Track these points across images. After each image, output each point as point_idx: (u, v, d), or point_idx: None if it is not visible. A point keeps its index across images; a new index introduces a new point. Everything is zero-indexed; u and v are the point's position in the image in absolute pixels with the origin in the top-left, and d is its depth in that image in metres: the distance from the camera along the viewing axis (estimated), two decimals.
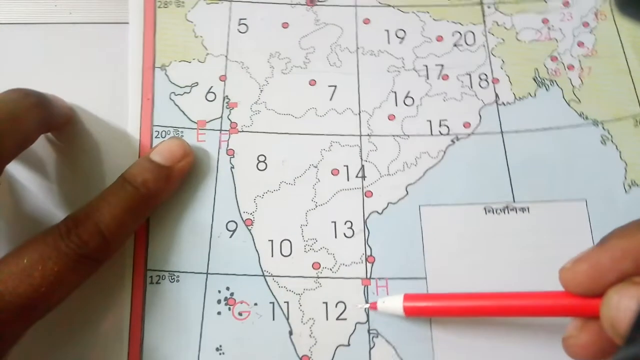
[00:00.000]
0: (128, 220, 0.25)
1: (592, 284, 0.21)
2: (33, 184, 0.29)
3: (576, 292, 0.22)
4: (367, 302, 0.27)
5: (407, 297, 0.26)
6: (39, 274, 0.22)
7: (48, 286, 0.22)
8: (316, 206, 0.29)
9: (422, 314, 0.27)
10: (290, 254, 0.28)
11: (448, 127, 0.30)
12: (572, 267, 0.22)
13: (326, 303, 0.27)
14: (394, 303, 0.26)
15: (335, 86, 0.31)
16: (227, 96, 0.30)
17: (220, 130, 0.30)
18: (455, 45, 0.31)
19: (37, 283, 0.22)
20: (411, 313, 0.26)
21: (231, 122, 0.30)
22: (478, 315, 0.26)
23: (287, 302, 0.27)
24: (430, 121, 0.30)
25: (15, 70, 0.31)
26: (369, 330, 0.27)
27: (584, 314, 0.22)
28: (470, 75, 0.31)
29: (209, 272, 0.28)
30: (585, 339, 0.22)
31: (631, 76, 0.31)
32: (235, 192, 0.29)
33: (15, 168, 0.29)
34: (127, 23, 0.31)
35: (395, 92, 0.31)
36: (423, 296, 0.27)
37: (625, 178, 0.29)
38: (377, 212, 0.29)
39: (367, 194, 0.29)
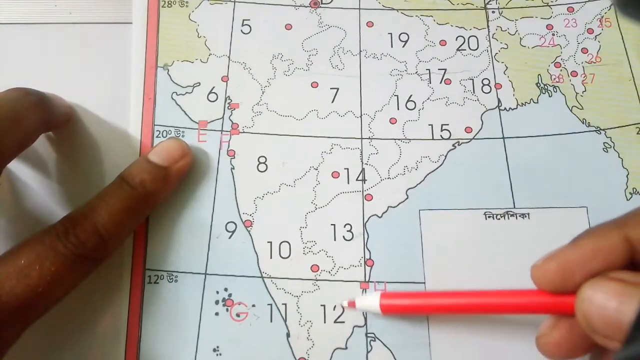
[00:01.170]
0: (126, 220, 0.25)
1: (561, 282, 0.21)
2: (33, 183, 0.29)
3: (546, 289, 0.22)
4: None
5: (383, 296, 0.26)
6: (36, 274, 0.22)
7: (45, 286, 0.22)
8: (316, 208, 0.29)
9: (399, 312, 0.27)
10: (289, 255, 0.28)
11: (449, 132, 0.30)
12: (542, 265, 0.22)
13: (324, 306, 0.27)
14: (371, 301, 0.26)
15: (338, 89, 0.31)
16: (229, 97, 0.30)
17: (222, 130, 0.30)
18: (458, 49, 0.31)
19: (34, 283, 0.22)
20: (388, 311, 0.26)
21: (232, 122, 0.30)
22: (453, 313, 0.26)
23: (285, 304, 0.27)
24: (431, 125, 0.30)
25: (15, 70, 0.31)
26: (366, 334, 0.27)
27: (556, 311, 0.22)
28: (473, 80, 0.31)
29: (207, 272, 0.28)
30: (557, 336, 0.22)
31: (635, 84, 0.31)
32: (235, 193, 0.29)
33: (15, 167, 0.29)
34: (127, 23, 0.31)
35: (397, 96, 0.30)
36: (399, 294, 0.27)
37: (627, 186, 0.29)
38: (377, 215, 0.29)
39: (367, 197, 0.29)
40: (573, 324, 0.22)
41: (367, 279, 0.28)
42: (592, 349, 0.22)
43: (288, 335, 0.27)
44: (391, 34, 0.31)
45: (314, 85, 0.31)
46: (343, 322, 0.27)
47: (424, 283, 0.28)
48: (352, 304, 0.27)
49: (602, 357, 0.22)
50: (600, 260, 0.21)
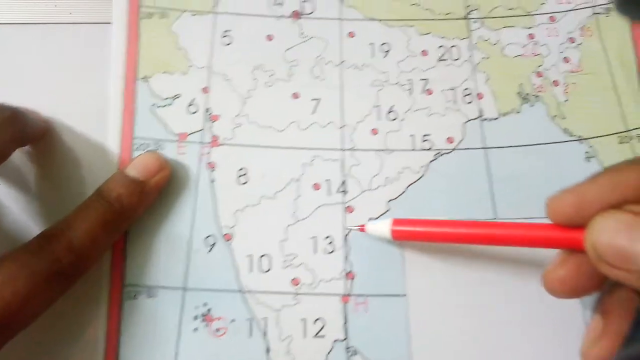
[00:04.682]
0: (102, 235, 0.25)
1: (576, 215, 0.21)
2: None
3: (559, 221, 0.22)
4: (345, 320, 0.27)
5: (395, 222, 0.26)
6: (10, 292, 0.22)
7: (20, 304, 0.22)
8: (296, 221, 0.29)
9: (410, 238, 0.27)
10: (270, 269, 0.28)
11: (431, 142, 0.30)
12: (558, 197, 0.22)
13: (305, 320, 0.27)
14: (382, 226, 0.27)
15: (319, 99, 0.30)
16: (209, 108, 0.30)
17: (202, 143, 0.30)
18: (440, 59, 0.31)
19: (8, 301, 0.22)
20: (399, 237, 0.27)
21: (213, 134, 0.30)
22: (463, 242, 0.26)
23: (265, 319, 0.27)
24: (413, 136, 0.30)
25: (15, 70, 0.30)
26: (347, 348, 0.27)
27: (567, 245, 0.22)
28: (454, 90, 0.31)
29: (186, 287, 0.27)
30: (563, 272, 0.22)
31: (616, 93, 0.31)
32: (215, 206, 0.29)
33: None
34: None
35: (378, 106, 0.30)
36: (411, 221, 0.27)
37: None
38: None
39: (348, 209, 0.29)
40: (581, 262, 0.22)
41: (348, 292, 0.28)
42: (596, 289, 0.22)
43: (268, 350, 0.27)
44: (373, 44, 0.31)
45: (295, 96, 0.30)
46: (323, 336, 0.27)
47: (406, 296, 0.27)
48: (362, 229, 0.27)
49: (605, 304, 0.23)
50: (616, 194, 0.21)
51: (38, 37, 0.31)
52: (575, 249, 0.22)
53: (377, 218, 0.28)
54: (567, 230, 0.22)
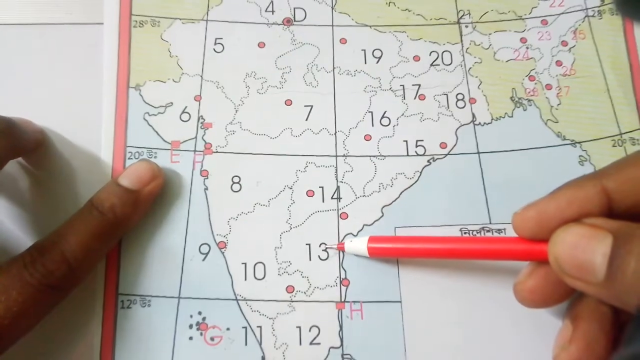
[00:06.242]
0: (95, 246, 0.25)
1: (538, 229, 0.22)
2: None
3: (524, 235, 0.23)
4: (341, 327, 0.27)
5: (371, 239, 0.27)
6: (2, 306, 0.22)
7: (12, 318, 0.22)
8: (291, 228, 0.28)
9: (385, 255, 0.27)
10: (264, 277, 0.28)
11: (424, 148, 0.30)
12: (521, 213, 0.23)
13: (300, 327, 0.27)
14: (359, 244, 0.27)
15: (312, 106, 0.30)
16: (202, 116, 0.30)
17: (195, 150, 0.29)
18: (432, 65, 0.31)
19: (1, 314, 0.22)
20: (375, 254, 0.27)
21: (206, 142, 0.30)
22: (437, 257, 0.27)
23: (260, 327, 0.27)
24: (406, 141, 0.30)
25: (15, 70, 0.30)
26: (342, 355, 0.27)
27: (532, 257, 0.23)
28: (447, 95, 0.31)
29: (181, 296, 0.27)
30: (532, 283, 0.23)
31: (610, 96, 0.31)
32: (209, 214, 0.29)
33: None
34: None
35: (371, 112, 0.30)
36: (386, 238, 0.27)
37: None
38: (353, 234, 0.28)
39: (342, 216, 0.29)
40: (548, 272, 0.23)
41: (343, 299, 0.27)
42: (565, 298, 0.23)
43: (263, 358, 0.27)
44: (365, 50, 0.31)
45: (288, 103, 0.30)
46: (319, 343, 0.27)
47: (400, 302, 0.27)
48: (341, 247, 0.28)
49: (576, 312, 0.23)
50: (575, 208, 0.22)
51: (38, 37, 0.31)
52: (541, 260, 0.23)
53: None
54: (532, 243, 0.23)
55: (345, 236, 0.28)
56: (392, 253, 0.27)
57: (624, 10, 0.22)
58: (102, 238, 0.25)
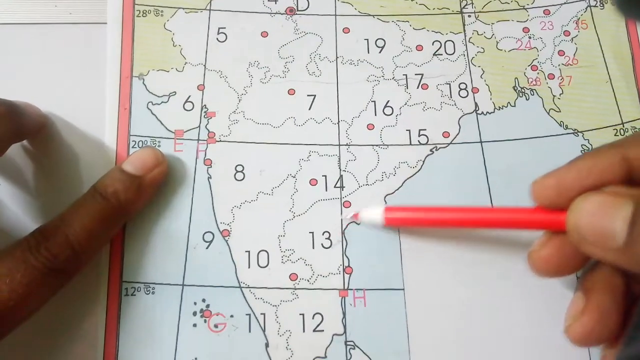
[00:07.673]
0: (99, 231, 0.25)
1: (557, 197, 0.23)
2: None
3: (543, 204, 0.23)
4: (344, 314, 0.27)
5: (388, 209, 0.27)
6: (6, 289, 0.22)
7: (17, 300, 0.22)
8: (294, 217, 0.29)
9: (401, 224, 0.28)
10: (268, 265, 0.28)
11: (427, 137, 0.30)
12: (540, 181, 0.23)
13: (303, 315, 0.27)
14: (374, 214, 0.27)
15: (315, 95, 0.30)
16: (205, 105, 0.30)
17: (198, 140, 0.30)
18: (435, 54, 0.31)
19: (5, 298, 0.22)
20: (390, 223, 0.27)
21: (209, 131, 0.30)
22: (453, 226, 0.27)
23: (264, 314, 0.27)
24: (409, 131, 0.30)
25: (15, 70, 0.30)
26: (345, 342, 0.27)
27: (550, 226, 0.24)
28: (449, 84, 0.31)
29: (184, 283, 0.27)
30: (547, 252, 0.23)
31: (612, 85, 0.31)
32: (213, 203, 0.29)
33: None
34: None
35: (374, 102, 0.30)
36: (402, 208, 0.27)
37: None
38: (355, 222, 0.28)
39: (346, 205, 0.29)
40: (564, 242, 0.23)
41: (346, 287, 0.28)
42: (578, 268, 0.24)
43: (267, 345, 0.27)
44: (367, 39, 0.31)
45: (291, 92, 0.30)
46: (322, 330, 0.27)
47: (403, 290, 0.27)
48: (356, 216, 0.28)
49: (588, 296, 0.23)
50: (595, 177, 0.22)
51: (38, 37, 0.31)
52: (558, 230, 0.23)
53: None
54: (550, 212, 0.23)
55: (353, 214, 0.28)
56: (407, 222, 0.27)
57: (624, 10, 0.22)
58: (105, 223, 0.25)
